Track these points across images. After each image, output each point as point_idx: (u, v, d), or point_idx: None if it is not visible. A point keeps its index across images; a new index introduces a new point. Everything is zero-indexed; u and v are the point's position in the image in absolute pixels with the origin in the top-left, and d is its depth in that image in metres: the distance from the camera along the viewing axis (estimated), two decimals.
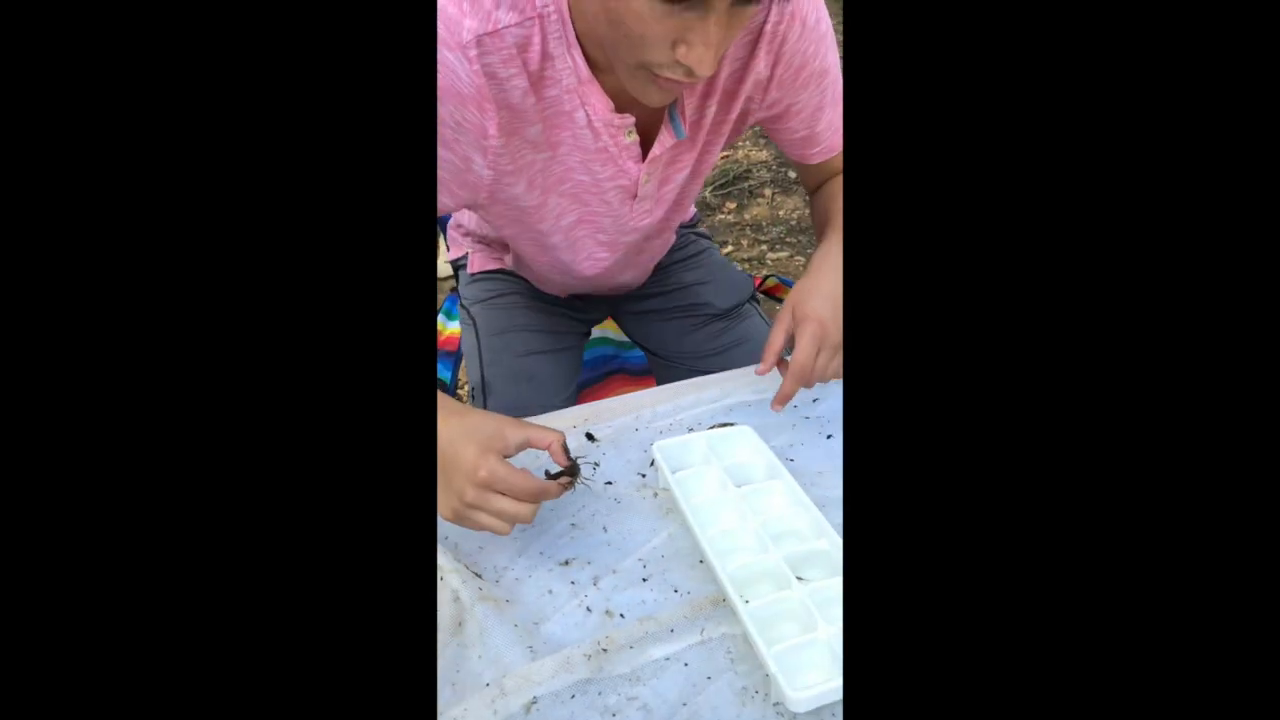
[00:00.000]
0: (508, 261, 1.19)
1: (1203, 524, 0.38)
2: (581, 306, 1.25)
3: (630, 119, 0.82)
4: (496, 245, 1.20)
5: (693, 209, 1.26)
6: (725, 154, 3.50)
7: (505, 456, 0.71)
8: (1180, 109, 0.39)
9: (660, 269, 1.22)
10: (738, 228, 3.01)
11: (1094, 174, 0.39)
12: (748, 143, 3.58)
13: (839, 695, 0.61)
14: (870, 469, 0.41)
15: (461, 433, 0.70)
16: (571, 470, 0.76)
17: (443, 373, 1.29)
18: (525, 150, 0.83)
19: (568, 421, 0.95)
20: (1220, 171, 0.39)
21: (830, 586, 0.68)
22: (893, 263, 0.42)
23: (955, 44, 0.41)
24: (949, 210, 0.41)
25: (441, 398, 0.75)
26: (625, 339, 1.41)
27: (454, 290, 1.33)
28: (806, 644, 0.64)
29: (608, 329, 1.42)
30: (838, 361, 0.85)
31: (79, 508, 0.39)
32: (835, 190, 1.01)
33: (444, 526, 0.79)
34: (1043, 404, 0.40)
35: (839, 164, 1.02)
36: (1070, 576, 0.39)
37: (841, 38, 2.14)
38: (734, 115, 0.90)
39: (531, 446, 0.73)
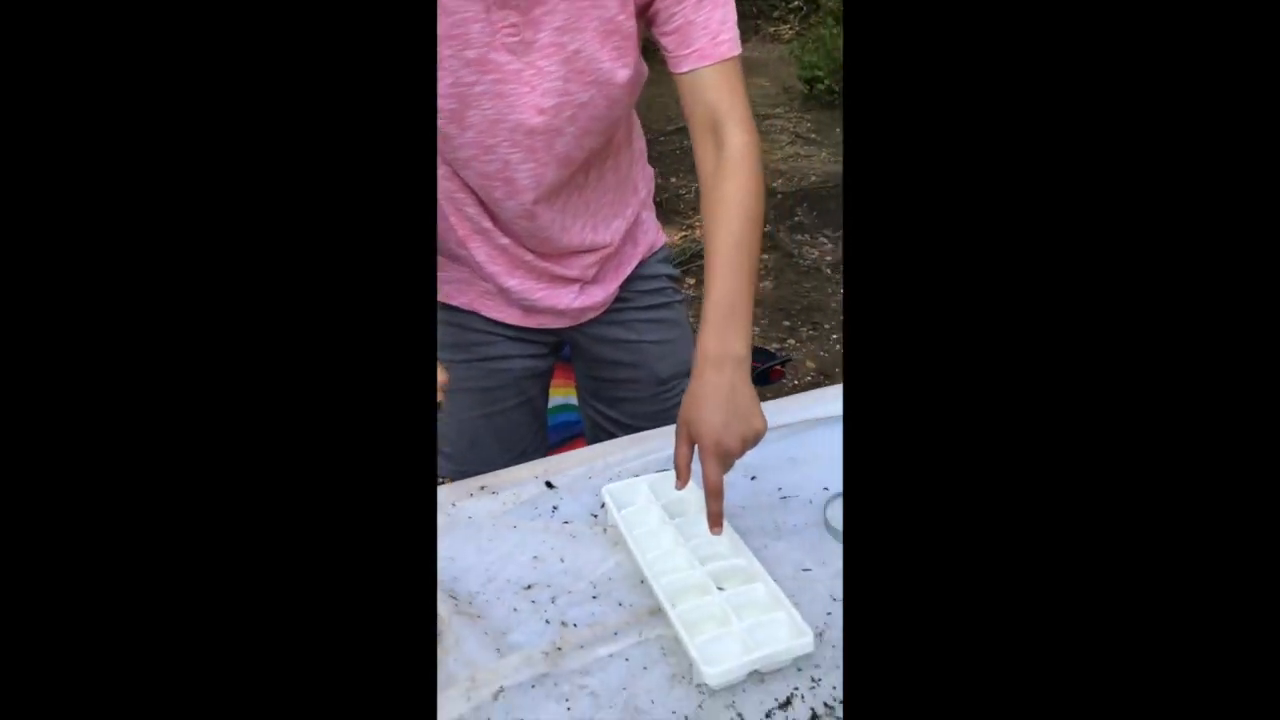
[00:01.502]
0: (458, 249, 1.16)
1: (1200, 546, 0.40)
2: (541, 331, 1.25)
3: None
4: (445, 248, 1.18)
5: (637, 142, 1.21)
6: (683, 233, 3.72)
7: None
8: (1166, 119, 0.42)
9: (623, 307, 1.26)
10: (696, 302, 3.20)
11: (1094, 183, 0.43)
12: None
13: (745, 672, 0.76)
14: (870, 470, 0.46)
15: None
16: None
17: None
18: None
19: (530, 473, 1.11)
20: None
21: (743, 592, 0.83)
22: (892, 271, 0.45)
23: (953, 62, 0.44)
24: (948, 219, 0.44)
25: None
26: None
27: None
28: (722, 635, 0.78)
29: (570, 394, 1.58)
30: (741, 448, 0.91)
31: (58, 499, 0.41)
32: (722, 200, 0.97)
33: None
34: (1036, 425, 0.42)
35: (723, 117, 0.97)
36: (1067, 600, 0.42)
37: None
38: None
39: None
